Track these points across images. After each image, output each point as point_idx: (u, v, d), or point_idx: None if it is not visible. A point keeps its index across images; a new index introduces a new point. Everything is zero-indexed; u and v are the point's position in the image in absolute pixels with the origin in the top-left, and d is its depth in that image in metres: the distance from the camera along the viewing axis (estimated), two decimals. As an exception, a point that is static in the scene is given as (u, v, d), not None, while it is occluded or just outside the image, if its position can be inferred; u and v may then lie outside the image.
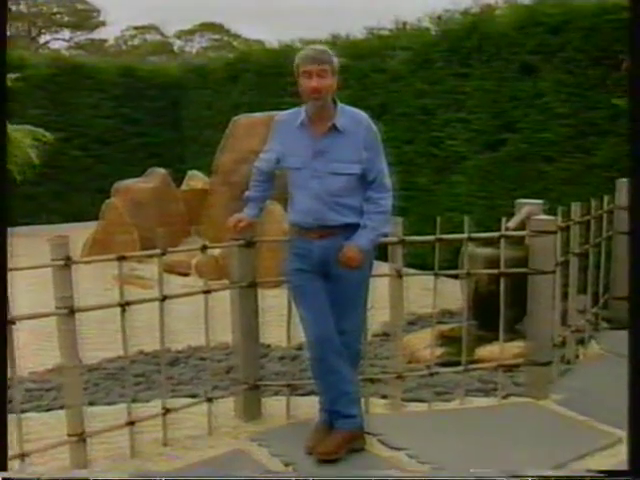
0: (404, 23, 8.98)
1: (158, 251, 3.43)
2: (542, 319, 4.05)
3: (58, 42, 30.71)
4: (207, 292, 3.64)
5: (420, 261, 5.74)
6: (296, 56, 3.24)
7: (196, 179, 10.04)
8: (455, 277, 4.40)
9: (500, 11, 7.81)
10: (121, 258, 3.32)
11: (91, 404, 4.04)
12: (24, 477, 2.67)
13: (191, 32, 35.11)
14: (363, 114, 3.29)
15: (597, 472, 2.87)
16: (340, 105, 3.28)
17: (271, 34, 32.40)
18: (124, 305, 3.32)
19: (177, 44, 35.59)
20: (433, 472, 3.16)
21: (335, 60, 3.21)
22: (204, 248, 3.63)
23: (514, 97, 7.37)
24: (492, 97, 7.56)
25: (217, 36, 35.10)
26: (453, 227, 4.26)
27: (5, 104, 2.55)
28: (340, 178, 3.22)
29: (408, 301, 4.01)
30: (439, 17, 8.38)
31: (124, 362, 3.49)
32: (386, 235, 3.50)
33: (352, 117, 3.26)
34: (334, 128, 3.22)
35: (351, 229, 3.26)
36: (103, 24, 31.35)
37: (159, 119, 13.08)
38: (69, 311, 3.14)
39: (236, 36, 34.44)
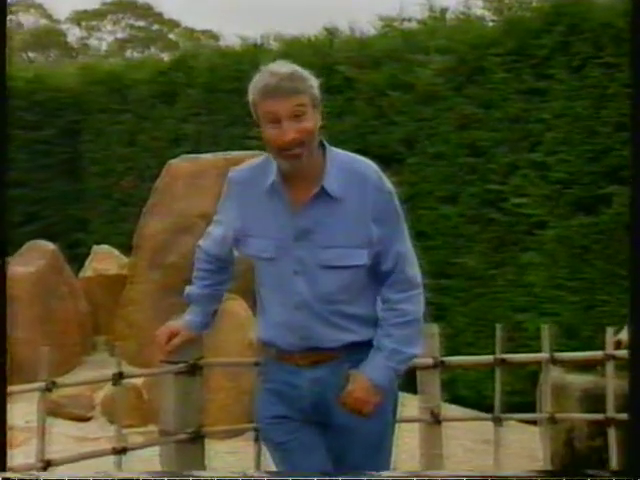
0: (443, 10, 9.20)
1: (39, 384, 3.42)
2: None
3: None
4: (120, 451, 3.62)
5: (472, 395, 5.74)
6: (250, 86, 3.18)
7: (107, 259, 10.09)
8: (532, 423, 4.38)
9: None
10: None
11: None
12: (24, 477, 3.19)
13: (99, 15, 35.69)
14: (368, 164, 3.29)
15: (597, 472, 3.27)
16: (330, 150, 3.27)
17: (229, 25, 33.01)
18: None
19: (75, 34, 36.23)
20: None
21: (314, 83, 3.18)
22: (118, 376, 3.63)
23: (626, 126, 7.49)
24: (587, 126, 7.70)
25: (142, 23, 35.78)
26: (526, 339, 4.29)
27: (5, 104, 3.06)
28: (338, 274, 3.23)
29: (452, 461, 4.01)
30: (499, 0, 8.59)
31: None
32: (414, 356, 3.50)
33: (351, 172, 3.24)
34: (323, 193, 3.22)
35: (360, 349, 3.28)
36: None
37: (45, 159, 13.20)
38: None
39: (173, 24, 35.14)
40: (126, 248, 9.74)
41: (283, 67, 3.17)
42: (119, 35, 35.87)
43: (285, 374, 3.32)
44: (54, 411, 6.73)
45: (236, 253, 3.48)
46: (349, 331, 3.27)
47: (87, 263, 10.17)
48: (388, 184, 3.28)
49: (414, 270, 3.32)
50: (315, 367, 3.28)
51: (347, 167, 3.25)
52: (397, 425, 3.47)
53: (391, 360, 3.26)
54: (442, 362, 3.85)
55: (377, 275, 3.28)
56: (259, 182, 3.28)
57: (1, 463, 2.99)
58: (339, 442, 3.30)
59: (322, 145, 3.26)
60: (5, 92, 3.03)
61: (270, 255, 3.26)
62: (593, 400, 4.39)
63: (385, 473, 3.18)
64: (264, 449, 3.71)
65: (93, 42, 36.11)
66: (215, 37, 29.61)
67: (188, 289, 3.55)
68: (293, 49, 10.14)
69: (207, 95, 11.23)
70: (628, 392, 2.77)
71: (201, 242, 3.55)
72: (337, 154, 3.28)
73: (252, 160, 3.43)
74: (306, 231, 3.22)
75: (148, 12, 35.27)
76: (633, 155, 2.91)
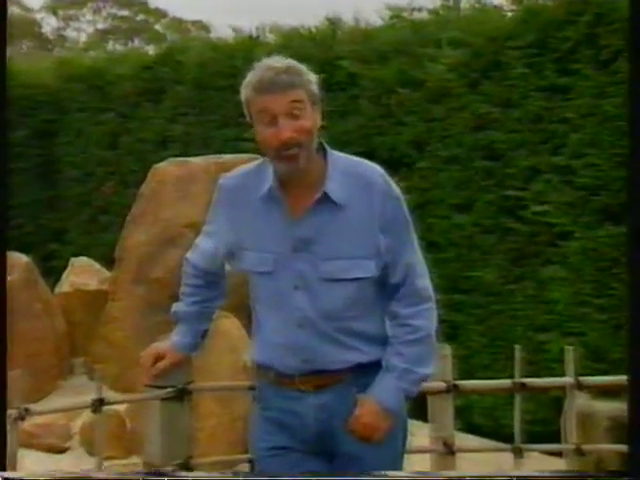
0: (457, -1, 9.22)
1: (11, 412, 3.42)
2: None
3: None
4: (101, 485, 3.61)
5: (489, 423, 5.72)
6: (242, 84, 3.21)
7: (86, 272, 10.08)
8: (556, 455, 4.37)
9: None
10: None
11: None
12: (24, 477, 3.40)
13: (77, 4, 35.72)
14: (373, 168, 3.30)
15: (597, 472, 3.41)
16: (332, 154, 3.28)
17: (222, 15, 33.03)
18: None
19: (50, 24, 36.27)
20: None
21: (312, 79, 3.20)
22: (98, 403, 3.62)
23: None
24: (617, 127, 7.69)
25: (125, 13, 35.82)
26: (548, 361, 4.28)
27: (5, 104, 3.24)
28: (343, 287, 3.24)
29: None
30: (519, -12, 8.61)
31: None
32: (428, 376, 3.50)
33: (355, 176, 3.26)
34: (326, 199, 3.22)
35: (369, 371, 3.28)
36: None
37: (17, 162, 13.17)
38: None
39: (160, 14, 35.19)
40: (107, 261, 9.73)
41: (278, 61, 3.18)
42: (100, 26, 35.90)
43: (285, 401, 3.31)
44: (27, 442, 6.72)
45: (227, 267, 3.48)
46: (356, 350, 3.27)
47: (64, 277, 10.14)
48: (396, 190, 3.28)
49: (425, 282, 3.32)
50: (319, 392, 3.28)
51: (351, 171, 3.25)
52: (406, 456, 3.46)
53: (402, 381, 3.26)
54: (455, 386, 3.85)
55: (385, 288, 3.29)
56: (253, 189, 3.28)
57: (1, 463, 3.17)
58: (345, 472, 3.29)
59: (322, 148, 3.26)
60: (5, 92, 3.17)
61: (267, 269, 3.26)
62: (623, 429, 4.38)
63: (388, 473, 3.20)
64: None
65: (71, 33, 36.18)
66: (206, 28, 29.68)
67: (175, 306, 3.56)
68: (292, 42, 10.14)
69: (197, 93, 11.23)
70: (628, 391, 2.83)
71: (189, 254, 3.55)
72: (339, 157, 3.29)
73: (245, 165, 3.42)
74: (306, 241, 3.22)
75: (132, 0, 35.30)
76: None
